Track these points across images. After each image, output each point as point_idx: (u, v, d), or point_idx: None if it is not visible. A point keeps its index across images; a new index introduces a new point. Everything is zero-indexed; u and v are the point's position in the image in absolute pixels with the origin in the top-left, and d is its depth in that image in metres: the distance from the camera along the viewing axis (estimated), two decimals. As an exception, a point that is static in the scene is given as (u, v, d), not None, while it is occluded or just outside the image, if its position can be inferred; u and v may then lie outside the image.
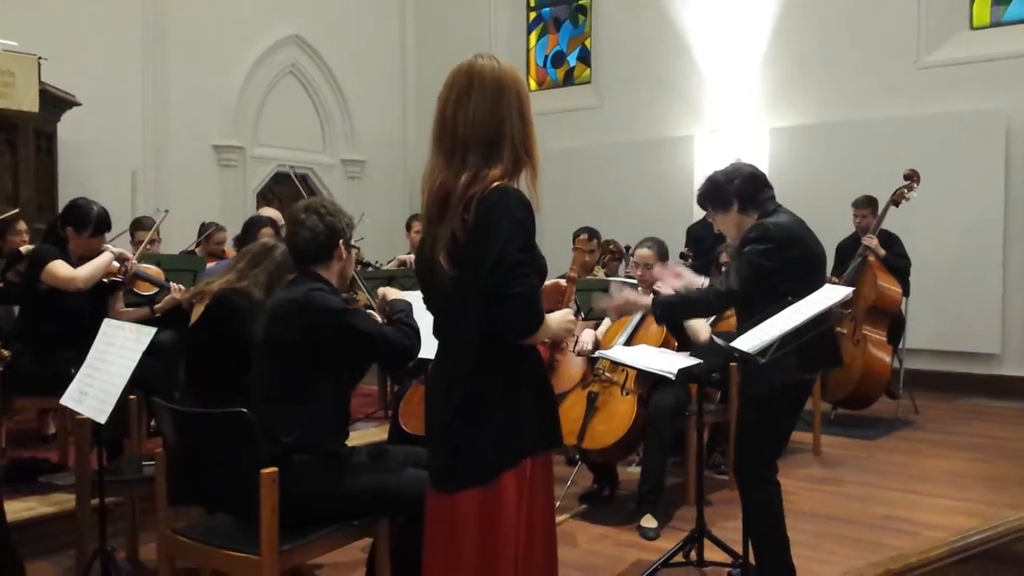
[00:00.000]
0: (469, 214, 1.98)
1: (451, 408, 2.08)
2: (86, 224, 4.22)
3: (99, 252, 4.28)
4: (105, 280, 4.30)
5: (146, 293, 4.62)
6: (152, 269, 4.85)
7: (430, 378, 2.25)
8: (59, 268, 4.09)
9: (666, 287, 4.38)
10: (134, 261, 4.42)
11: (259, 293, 3.42)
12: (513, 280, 1.95)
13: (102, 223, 4.28)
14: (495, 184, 2.00)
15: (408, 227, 7.23)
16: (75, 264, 4.21)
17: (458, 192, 2.01)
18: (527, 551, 2.06)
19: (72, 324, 4.17)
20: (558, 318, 2.16)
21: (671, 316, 3.34)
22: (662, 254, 4.56)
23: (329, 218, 2.86)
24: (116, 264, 4.30)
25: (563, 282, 2.37)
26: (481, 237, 1.98)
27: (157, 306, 4.51)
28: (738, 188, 3.22)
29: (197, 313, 3.51)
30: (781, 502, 3.17)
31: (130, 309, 4.56)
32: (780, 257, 3.04)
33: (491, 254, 1.96)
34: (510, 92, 2.06)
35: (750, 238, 3.11)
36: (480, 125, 2.04)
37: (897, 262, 6.21)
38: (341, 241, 2.88)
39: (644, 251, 4.51)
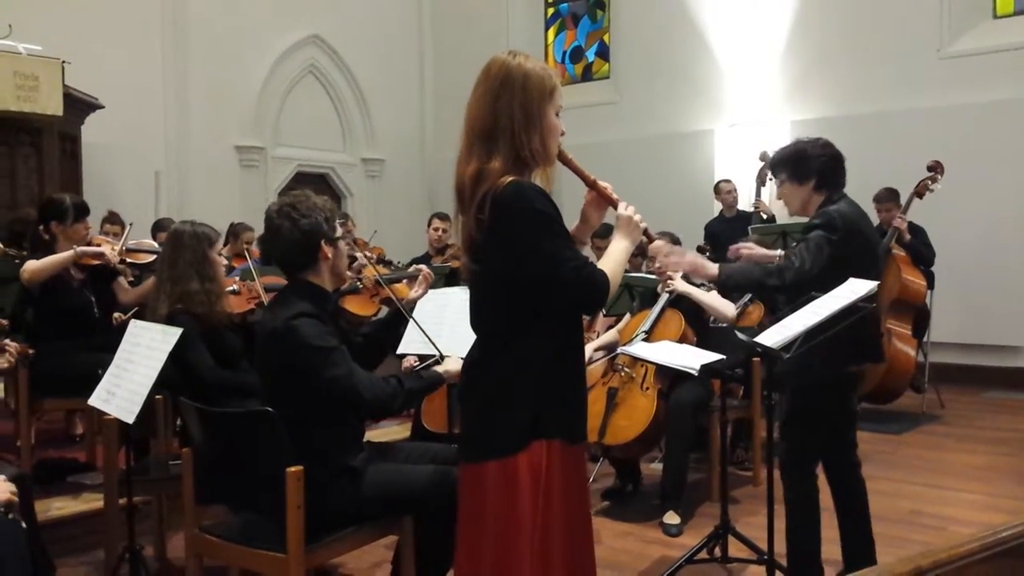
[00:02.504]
0: (484, 214, 2.00)
1: (466, 385, 2.17)
2: (65, 213, 4.28)
3: (87, 238, 4.36)
4: (97, 262, 4.33)
5: (143, 262, 4.63)
6: (144, 241, 4.89)
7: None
8: (25, 267, 4.14)
9: (678, 280, 4.41)
10: (112, 251, 4.33)
11: (194, 284, 3.47)
12: (563, 269, 1.99)
13: (80, 208, 4.34)
14: (508, 180, 2.00)
15: (429, 223, 7.22)
16: None
17: (467, 187, 2.06)
18: (543, 539, 2.05)
19: (81, 318, 4.25)
20: (622, 227, 2.21)
21: (733, 283, 3.14)
22: (674, 243, 4.54)
23: (304, 221, 2.69)
24: (91, 260, 4.27)
25: (590, 193, 2.28)
26: (501, 235, 2.01)
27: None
28: (823, 165, 3.13)
29: None
30: (816, 500, 3.16)
31: (135, 288, 4.61)
32: (844, 248, 2.99)
33: (525, 254, 1.99)
34: (514, 84, 2.05)
35: (816, 224, 3.03)
36: (479, 116, 2.07)
37: (923, 250, 6.15)
38: (323, 242, 2.73)
39: (658, 243, 4.48)
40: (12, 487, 2.48)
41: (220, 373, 3.46)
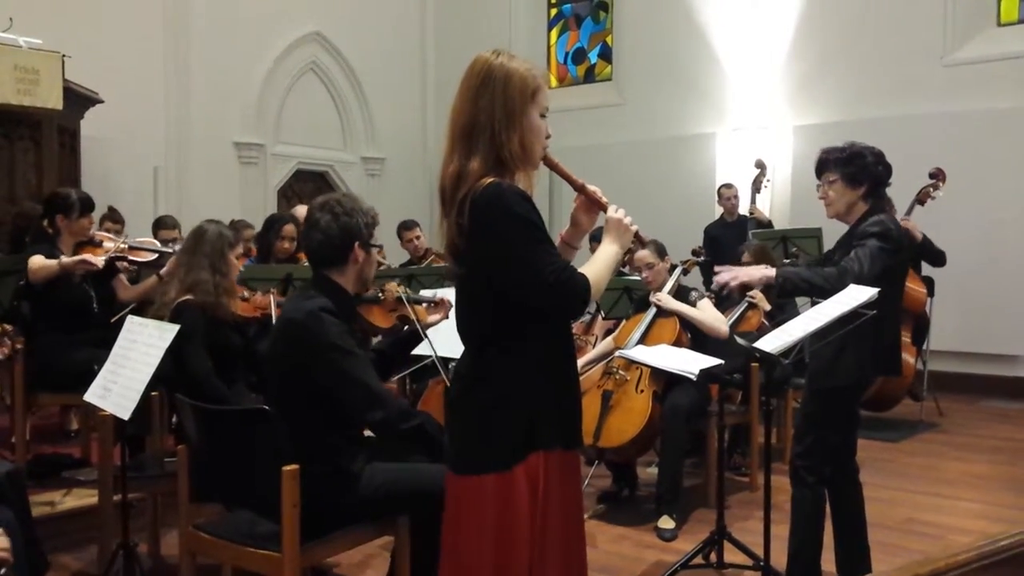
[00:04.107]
0: (463, 217, 1.97)
1: (453, 396, 2.13)
2: (71, 207, 4.30)
3: (89, 233, 4.40)
4: (102, 257, 4.32)
5: (144, 260, 4.63)
6: (147, 240, 4.90)
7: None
8: (31, 262, 4.14)
9: (667, 299, 4.42)
10: (95, 257, 4.28)
11: (205, 274, 3.53)
12: (542, 274, 1.94)
13: (85, 203, 4.37)
14: (487, 182, 1.96)
15: (400, 236, 6.95)
16: (73, 251, 4.31)
17: (448, 189, 2.03)
18: (541, 550, 2.04)
19: (79, 312, 4.25)
20: (611, 230, 2.15)
21: (792, 287, 3.08)
22: (660, 250, 4.55)
23: (344, 218, 2.71)
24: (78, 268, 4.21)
25: (578, 197, 2.23)
26: (480, 238, 1.97)
27: (164, 270, 4.49)
28: (878, 173, 3.11)
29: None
30: (823, 506, 3.16)
31: (135, 286, 4.61)
32: (891, 260, 2.98)
33: (504, 258, 1.96)
34: (496, 84, 2.00)
35: (871, 232, 2.99)
36: (460, 114, 2.04)
37: (934, 249, 6.10)
38: (357, 243, 2.74)
39: (643, 252, 4.50)
40: (6, 543, 2.35)
41: (215, 384, 3.42)
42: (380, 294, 3.90)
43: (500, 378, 2.03)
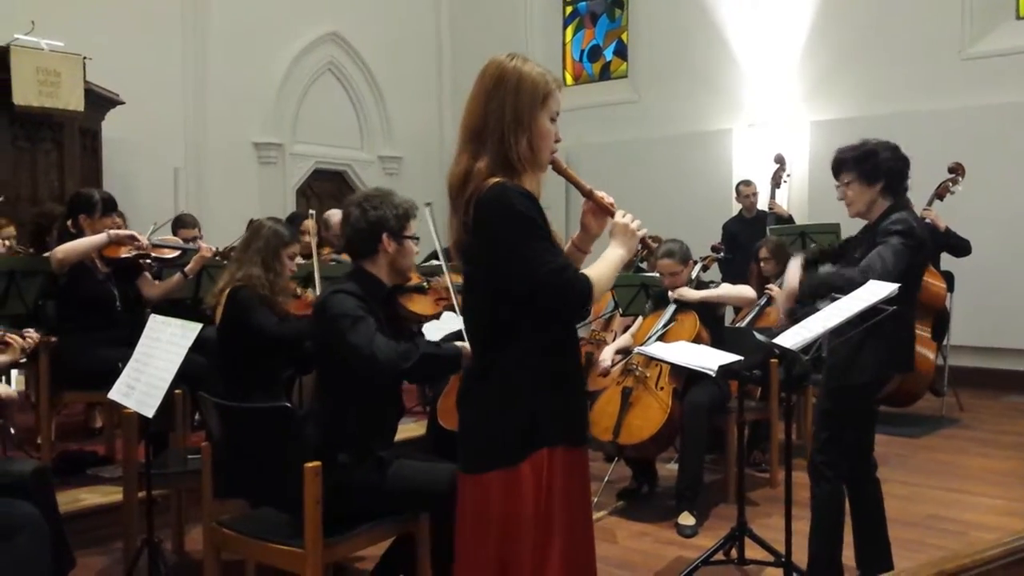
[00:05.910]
0: (468, 216, 2.01)
1: (460, 393, 2.17)
2: (94, 207, 4.36)
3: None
4: (126, 255, 4.38)
5: (168, 256, 4.69)
6: (169, 238, 4.95)
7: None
8: (56, 251, 4.19)
9: (687, 291, 4.42)
10: (144, 240, 4.43)
11: (257, 270, 3.61)
12: (540, 271, 1.97)
13: (108, 202, 4.43)
14: (493, 182, 1.99)
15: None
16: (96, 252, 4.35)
17: (455, 188, 2.06)
18: (544, 547, 2.04)
19: (103, 310, 4.29)
20: (617, 235, 2.17)
21: (820, 292, 3.05)
22: (684, 257, 4.53)
23: (373, 212, 2.84)
24: (119, 244, 4.33)
25: (587, 203, 2.25)
26: (483, 237, 2.01)
27: (188, 268, 4.58)
28: (893, 167, 3.09)
29: (218, 315, 3.64)
30: (843, 501, 3.16)
31: (161, 282, 4.67)
32: (914, 258, 2.96)
33: (505, 257, 1.99)
34: (507, 86, 2.03)
35: (894, 230, 2.96)
36: (471, 115, 2.07)
37: (959, 240, 6.05)
38: (385, 234, 2.84)
39: (666, 261, 4.50)
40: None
41: (285, 329, 3.59)
42: (427, 283, 3.93)
43: (503, 376, 2.05)
